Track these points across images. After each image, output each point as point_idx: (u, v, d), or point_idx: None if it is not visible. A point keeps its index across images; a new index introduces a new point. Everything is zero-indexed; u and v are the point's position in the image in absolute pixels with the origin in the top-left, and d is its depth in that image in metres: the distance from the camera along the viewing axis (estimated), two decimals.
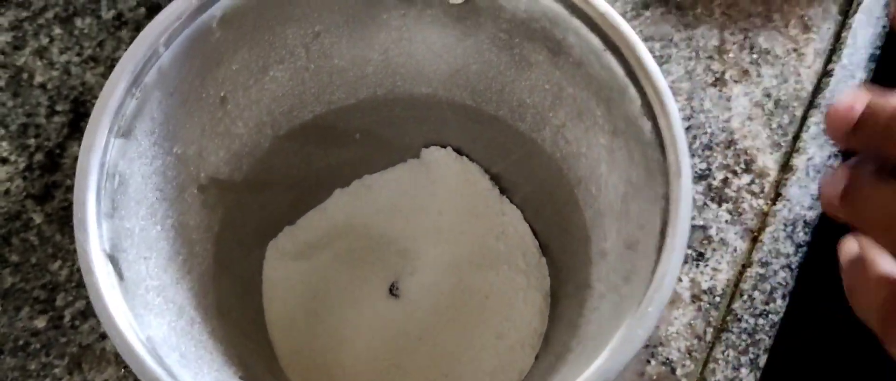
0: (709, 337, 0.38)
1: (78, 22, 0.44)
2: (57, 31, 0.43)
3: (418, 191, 0.38)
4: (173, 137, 0.29)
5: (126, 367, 0.36)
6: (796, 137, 0.43)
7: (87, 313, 0.37)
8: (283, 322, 0.35)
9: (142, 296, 0.26)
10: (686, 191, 0.24)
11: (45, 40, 0.43)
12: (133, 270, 0.26)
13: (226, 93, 0.31)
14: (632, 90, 0.27)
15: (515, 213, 0.37)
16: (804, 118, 0.43)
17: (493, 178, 0.38)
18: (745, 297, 0.39)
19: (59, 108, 0.41)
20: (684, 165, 0.25)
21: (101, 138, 0.25)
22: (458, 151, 0.38)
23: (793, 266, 0.39)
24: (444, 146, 0.38)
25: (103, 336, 0.37)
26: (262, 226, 0.36)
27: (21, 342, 0.36)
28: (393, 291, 0.37)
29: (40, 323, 0.37)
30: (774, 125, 0.44)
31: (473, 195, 0.37)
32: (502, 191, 0.38)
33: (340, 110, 0.35)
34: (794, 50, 0.45)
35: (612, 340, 0.24)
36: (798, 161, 0.42)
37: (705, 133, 0.42)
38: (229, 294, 0.33)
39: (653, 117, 0.26)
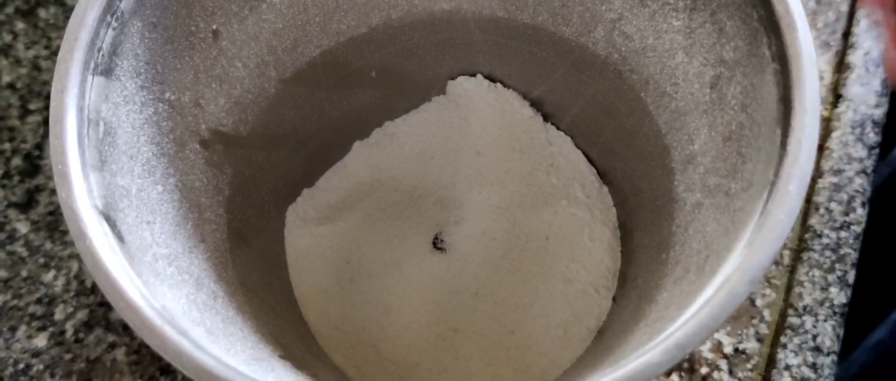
0: (787, 260, 0.34)
1: (41, 13, 0.40)
2: (20, 25, 0.40)
3: (450, 132, 0.33)
4: (163, 81, 0.24)
5: (141, 375, 0.32)
6: (847, 34, 0.40)
7: (92, 322, 0.33)
8: (314, 296, 0.30)
9: (150, 264, 0.21)
10: (806, 42, 0.20)
11: (7, 37, 0.40)
12: (135, 234, 0.21)
13: (218, 26, 0.26)
14: None
15: (565, 140, 0.32)
16: (851, 13, 0.40)
17: (534, 103, 0.33)
18: (822, 210, 0.35)
19: (32, 106, 0.38)
20: (797, 13, 0.20)
21: (75, 75, 0.20)
22: (490, 79, 0.33)
23: (868, 171, 0.36)
24: (474, 75, 0.33)
25: (112, 346, 0.32)
26: (278, 189, 0.31)
27: (21, 365, 0.32)
28: (437, 244, 0.32)
29: (40, 342, 0.33)
30: (820, 25, 0.40)
31: (513, 127, 0.32)
32: (546, 117, 0.33)
33: (351, 42, 0.30)
34: None
35: (739, 241, 0.19)
36: (854, 58, 0.39)
37: None
38: (251, 268, 0.28)
39: None
